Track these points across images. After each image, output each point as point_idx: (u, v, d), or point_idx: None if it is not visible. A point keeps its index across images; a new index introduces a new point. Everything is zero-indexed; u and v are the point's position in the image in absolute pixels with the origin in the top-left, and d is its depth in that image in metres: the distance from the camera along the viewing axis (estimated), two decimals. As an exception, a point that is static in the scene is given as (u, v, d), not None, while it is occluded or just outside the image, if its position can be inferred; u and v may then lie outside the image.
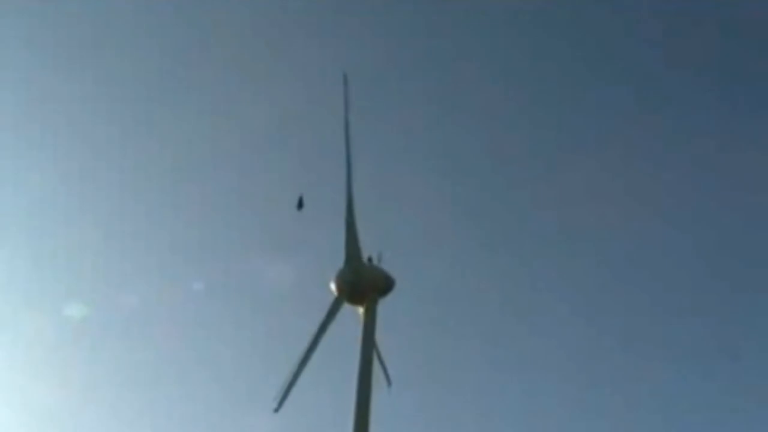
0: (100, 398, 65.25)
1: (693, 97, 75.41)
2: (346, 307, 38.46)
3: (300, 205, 39.60)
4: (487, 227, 72.33)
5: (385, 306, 38.46)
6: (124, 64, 70.74)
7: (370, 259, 38.53)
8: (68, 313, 63.34)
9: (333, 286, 38.37)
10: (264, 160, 71.25)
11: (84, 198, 70.93)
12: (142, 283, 70.23)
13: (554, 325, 68.88)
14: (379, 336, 38.23)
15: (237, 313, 68.90)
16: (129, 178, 71.53)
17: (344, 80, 41.41)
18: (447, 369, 65.86)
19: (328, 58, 62.91)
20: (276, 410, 36.56)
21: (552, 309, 69.09)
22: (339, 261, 38.89)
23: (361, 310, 38.25)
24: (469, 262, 68.30)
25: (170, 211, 73.30)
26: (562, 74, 72.90)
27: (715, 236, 71.27)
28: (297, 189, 65.35)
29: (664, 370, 66.09)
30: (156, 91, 72.99)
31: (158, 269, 72.15)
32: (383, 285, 38.38)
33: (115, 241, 71.40)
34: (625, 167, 71.80)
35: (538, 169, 73.44)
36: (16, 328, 65.97)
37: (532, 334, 68.55)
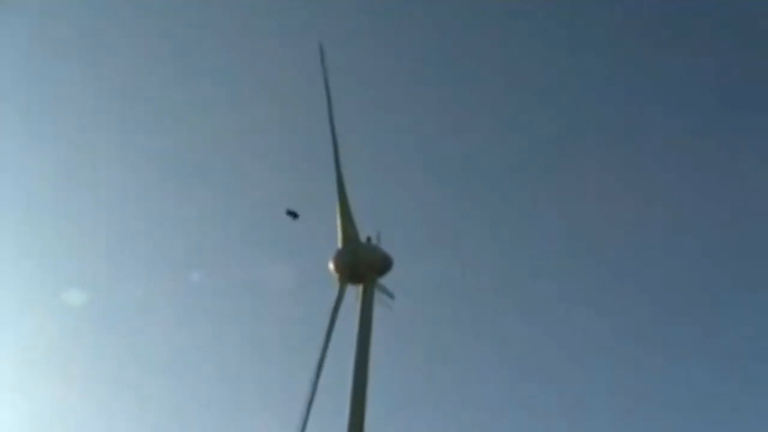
0: (98, 387, 65.27)
1: (695, 97, 75.51)
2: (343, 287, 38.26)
3: (294, 215, 39.34)
4: (486, 207, 72.16)
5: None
6: (133, 54, 71.10)
7: (369, 239, 38.34)
8: (68, 300, 63.42)
9: (331, 267, 38.14)
10: (262, 155, 71.29)
11: (86, 189, 70.90)
12: (140, 274, 70.54)
13: (557, 315, 68.55)
14: (377, 315, 38.02)
15: (236, 304, 68.89)
16: (131, 170, 71.66)
17: (320, 51, 39.99)
18: (445, 350, 65.70)
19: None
20: None
21: (554, 296, 68.65)
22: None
23: (359, 289, 38.08)
24: (468, 242, 68.15)
25: (170, 204, 73.22)
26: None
27: (717, 235, 71.11)
28: (296, 183, 66.34)
29: (664, 367, 65.78)
30: (157, 84, 73.21)
31: (156, 260, 72.51)
32: (382, 265, 38.27)
33: (116, 232, 71.56)
34: (626, 166, 71.82)
35: (541, 154, 73.20)
36: (17, 317, 66.12)
37: (533, 315, 68.20)
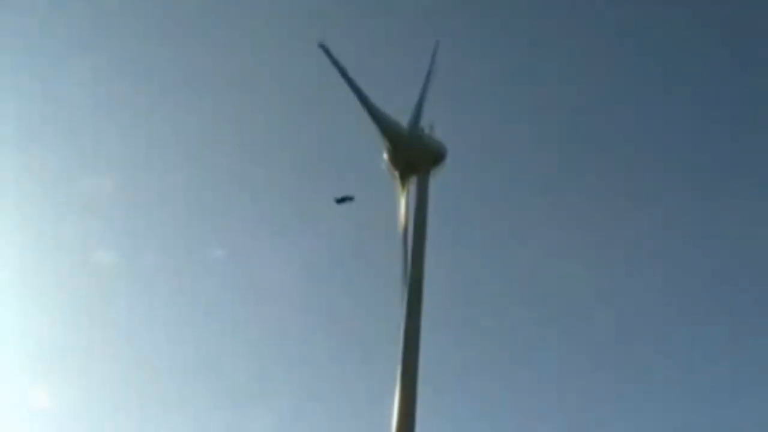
0: (121, 345, 64.93)
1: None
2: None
3: (346, 200, 39.28)
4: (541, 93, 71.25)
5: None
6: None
7: (422, 130, 38.07)
8: (98, 261, 63.75)
9: (385, 158, 37.88)
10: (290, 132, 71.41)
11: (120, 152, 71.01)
12: (168, 243, 70.70)
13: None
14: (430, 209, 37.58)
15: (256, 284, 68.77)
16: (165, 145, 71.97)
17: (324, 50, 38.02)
18: (500, 241, 64.89)
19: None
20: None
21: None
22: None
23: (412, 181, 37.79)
24: (521, 127, 67.40)
25: (196, 177, 73.35)
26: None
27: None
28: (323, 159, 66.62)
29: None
30: (187, 68, 73.63)
31: (182, 233, 72.56)
32: (435, 156, 37.88)
33: (149, 200, 71.71)
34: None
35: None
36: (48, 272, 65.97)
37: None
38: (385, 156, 37.83)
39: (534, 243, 68.00)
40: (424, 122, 38.08)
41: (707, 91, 75.54)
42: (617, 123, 72.84)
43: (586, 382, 65.58)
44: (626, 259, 68.91)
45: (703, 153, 74.73)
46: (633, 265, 69.02)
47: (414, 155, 37.62)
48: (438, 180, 37.82)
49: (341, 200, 39.19)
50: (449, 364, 58.07)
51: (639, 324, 67.22)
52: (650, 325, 68.23)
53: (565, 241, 67.65)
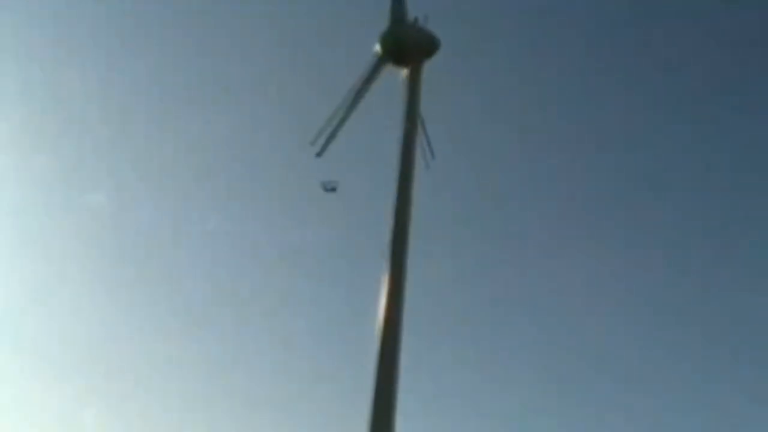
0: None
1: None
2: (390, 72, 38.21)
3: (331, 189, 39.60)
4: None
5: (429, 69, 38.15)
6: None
7: (416, 20, 38.30)
8: (89, 201, 64.21)
9: (377, 48, 38.16)
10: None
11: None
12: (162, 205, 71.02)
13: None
14: (424, 100, 37.84)
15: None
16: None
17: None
18: (490, 133, 65.21)
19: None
20: (318, 155, 35.93)
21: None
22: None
23: (404, 72, 38.03)
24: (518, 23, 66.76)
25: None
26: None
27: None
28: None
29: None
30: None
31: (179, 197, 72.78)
32: (428, 46, 37.97)
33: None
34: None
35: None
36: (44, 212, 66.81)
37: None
38: (377, 47, 38.13)
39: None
40: (419, 14, 38.32)
41: (709, 89, 75.96)
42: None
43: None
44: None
45: (702, 153, 74.48)
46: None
47: (404, 49, 37.79)
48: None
49: (328, 189, 39.35)
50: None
51: (636, 324, 66.74)
52: (647, 325, 67.72)
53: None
